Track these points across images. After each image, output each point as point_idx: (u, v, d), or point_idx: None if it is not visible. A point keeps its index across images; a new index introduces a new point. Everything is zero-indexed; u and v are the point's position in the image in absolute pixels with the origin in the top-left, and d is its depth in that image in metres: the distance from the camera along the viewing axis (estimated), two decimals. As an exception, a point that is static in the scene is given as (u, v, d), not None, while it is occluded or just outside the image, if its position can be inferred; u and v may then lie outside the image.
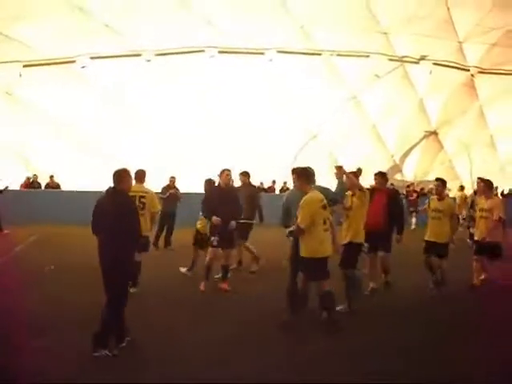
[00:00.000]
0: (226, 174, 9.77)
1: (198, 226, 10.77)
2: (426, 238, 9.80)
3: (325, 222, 7.18)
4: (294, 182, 8.04)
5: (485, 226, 10.12)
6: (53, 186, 21.71)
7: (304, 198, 7.13)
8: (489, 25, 23.76)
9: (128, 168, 6.60)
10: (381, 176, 9.83)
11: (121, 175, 6.43)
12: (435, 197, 9.97)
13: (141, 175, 9.47)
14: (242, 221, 10.37)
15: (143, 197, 9.28)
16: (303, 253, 7.13)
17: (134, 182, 7.42)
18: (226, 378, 5.49)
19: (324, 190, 7.70)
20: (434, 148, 29.33)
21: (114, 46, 21.65)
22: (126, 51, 21.83)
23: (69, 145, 22.62)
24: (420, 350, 6.40)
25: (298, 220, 7.02)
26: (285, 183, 24.79)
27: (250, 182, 12.11)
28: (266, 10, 21.69)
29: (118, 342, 6.27)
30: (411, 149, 28.98)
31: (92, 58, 21.66)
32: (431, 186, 27.21)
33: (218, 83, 23.28)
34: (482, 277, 10.32)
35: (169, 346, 6.46)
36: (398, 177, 28.65)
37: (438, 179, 10.18)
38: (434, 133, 28.89)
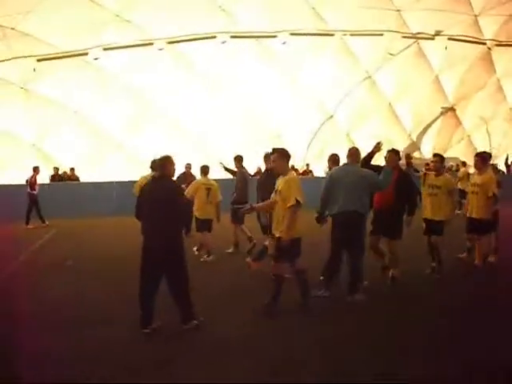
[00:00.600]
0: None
1: None
2: (424, 216, 9.43)
3: None
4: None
5: (476, 202, 9.71)
6: (73, 178, 21.84)
7: (294, 178, 7.18)
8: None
9: (160, 155, 6.77)
10: (394, 153, 8.92)
11: (165, 162, 6.64)
12: (432, 173, 9.50)
13: (205, 170, 11.49)
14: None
15: (209, 188, 11.22)
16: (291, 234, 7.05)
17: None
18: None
19: (371, 177, 7.96)
20: (452, 124, 29.00)
21: (125, 36, 21.65)
22: (137, 41, 21.83)
23: (86, 137, 22.73)
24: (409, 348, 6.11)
25: (300, 199, 6.96)
26: (307, 165, 24.70)
27: (242, 166, 12.43)
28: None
29: (185, 321, 6.48)
30: (428, 126, 28.68)
31: (104, 49, 21.68)
32: (451, 163, 27.09)
33: (231, 68, 23.19)
34: (492, 257, 10.09)
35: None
36: (416, 155, 28.39)
37: (435, 155, 9.93)
38: (452, 109, 28.56)
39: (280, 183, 7.13)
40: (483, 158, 9.95)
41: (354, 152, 8.16)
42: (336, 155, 8.91)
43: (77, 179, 21.90)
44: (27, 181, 18.06)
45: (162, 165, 6.64)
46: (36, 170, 18.29)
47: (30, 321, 6.84)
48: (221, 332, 6.48)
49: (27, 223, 17.36)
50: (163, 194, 6.44)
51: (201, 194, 11.14)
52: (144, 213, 6.56)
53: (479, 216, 9.61)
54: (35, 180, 18.11)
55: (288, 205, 6.90)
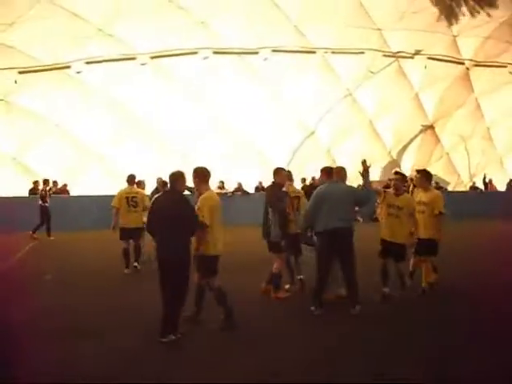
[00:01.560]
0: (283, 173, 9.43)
1: None
2: (382, 237, 8.85)
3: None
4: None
5: (423, 222, 8.94)
6: (56, 191, 21.70)
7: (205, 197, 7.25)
8: (482, 18, 23.85)
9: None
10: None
11: (177, 177, 6.94)
12: (392, 191, 8.87)
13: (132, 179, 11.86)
14: None
15: (135, 197, 11.59)
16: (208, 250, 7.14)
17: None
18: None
19: (357, 191, 8.41)
20: (431, 142, 29.36)
21: (108, 50, 21.69)
22: (120, 55, 21.87)
23: (67, 150, 22.63)
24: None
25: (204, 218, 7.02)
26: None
27: None
28: (259, 9, 21.78)
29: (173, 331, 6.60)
30: (408, 143, 29.01)
31: (87, 62, 21.69)
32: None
33: (213, 84, 23.32)
34: (433, 278, 9.14)
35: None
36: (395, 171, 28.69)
37: (396, 172, 9.24)
38: (431, 127, 28.95)
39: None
40: (426, 175, 9.43)
41: (339, 170, 8.36)
42: (329, 168, 8.66)
43: (60, 192, 21.75)
44: (39, 192, 18.69)
45: (175, 180, 6.90)
46: (46, 182, 18.81)
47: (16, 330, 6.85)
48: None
49: (49, 235, 17.79)
50: (177, 209, 6.69)
51: None
52: (157, 227, 6.76)
53: (428, 236, 8.94)
54: (45, 192, 18.47)
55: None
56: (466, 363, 5.83)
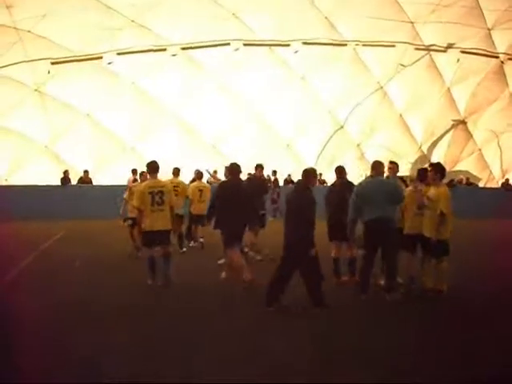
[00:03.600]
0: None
1: None
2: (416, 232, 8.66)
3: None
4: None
5: (429, 220, 8.52)
6: (86, 181, 21.96)
7: None
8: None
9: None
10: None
11: (309, 173, 7.77)
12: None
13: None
14: None
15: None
16: None
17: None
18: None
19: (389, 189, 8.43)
20: (463, 137, 28.92)
21: (139, 41, 21.83)
22: (151, 46, 22.00)
23: (98, 140, 22.89)
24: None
25: None
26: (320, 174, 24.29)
27: None
28: (290, 2, 21.70)
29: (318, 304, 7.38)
30: (439, 139, 28.61)
31: (118, 53, 21.87)
32: (461, 176, 27.03)
33: (244, 76, 23.32)
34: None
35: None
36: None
37: (391, 162, 9.47)
38: (463, 122, 28.48)
39: None
40: (437, 169, 8.80)
41: (377, 165, 8.60)
42: (379, 162, 8.72)
43: (90, 182, 22.04)
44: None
45: (307, 175, 7.70)
46: (134, 172, 17.88)
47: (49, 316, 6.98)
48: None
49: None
50: (304, 202, 7.49)
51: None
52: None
53: (431, 235, 8.42)
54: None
55: None
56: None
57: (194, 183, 13.70)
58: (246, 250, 11.43)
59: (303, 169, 7.90)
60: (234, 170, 9.24)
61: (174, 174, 12.96)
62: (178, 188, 12.20)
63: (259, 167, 12.36)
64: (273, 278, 7.54)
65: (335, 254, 9.31)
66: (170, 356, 5.76)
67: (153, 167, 9.26)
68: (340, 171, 9.67)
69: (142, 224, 9.05)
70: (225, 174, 10.65)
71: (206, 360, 5.63)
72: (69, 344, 6.05)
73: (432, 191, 8.60)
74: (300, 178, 7.86)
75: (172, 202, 9.22)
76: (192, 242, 13.56)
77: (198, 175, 13.78)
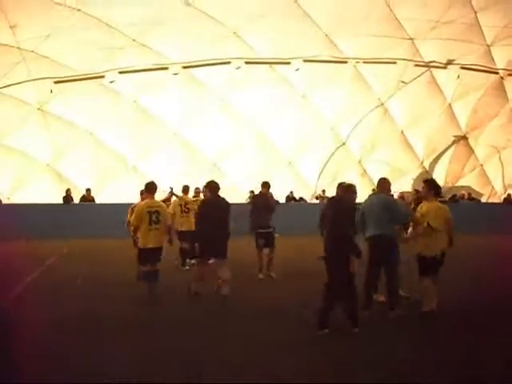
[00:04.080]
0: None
1: None
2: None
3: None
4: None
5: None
6: (89, 199, 22.01)
7: None
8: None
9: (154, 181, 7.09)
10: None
11: (347, 188, 8.45)
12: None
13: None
14: None
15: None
16: None
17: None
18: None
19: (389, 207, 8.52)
20: (464, 153, 28.98)
21: (141, 60, 21.99)
22: (153, 65, 22.15)
23: (100, 158, 22.97)
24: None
25: None
26: (323, 191, 24.37)
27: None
28: (291, 20, 21.84)
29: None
30: (441, 155, 28.67)
31: (120, 72, 22.02)
32: (462, 191, 27.09)
33: (245, 94, 23.44)
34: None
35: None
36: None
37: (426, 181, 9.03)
38: (464, 138, 28.57)
39: None
40: (430, 185, 8.70)
41: (381, 182, 8.96)
42: (383, 179, 9.06)
43: (92, 200, 22.08)
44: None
45: (347, 188, 8.36)
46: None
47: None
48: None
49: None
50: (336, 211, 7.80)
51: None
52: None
53: (426, 253, 8.30)
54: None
55: None
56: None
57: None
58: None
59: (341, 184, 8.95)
60: (212, 188, 9.65)
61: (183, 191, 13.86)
62: (188, 205, 13.31)
63: (265, 185, 12.35)
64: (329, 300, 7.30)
65: None
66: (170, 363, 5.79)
67: (151, 188, 9.69)
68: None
69: (138, 241, 9.54)
70: (203, 193, 10.53)
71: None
72: (73, 355, 6.18)
73: (423, 207, 8.57)
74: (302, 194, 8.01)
75: (167, 221, 9.67)
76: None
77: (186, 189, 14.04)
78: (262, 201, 12.07)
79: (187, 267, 12.64)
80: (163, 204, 10.32)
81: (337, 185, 9.53)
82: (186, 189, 13.93)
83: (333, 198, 9.17)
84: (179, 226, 12.86)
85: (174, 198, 13.88)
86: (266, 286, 10.93)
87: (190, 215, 12.87)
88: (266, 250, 11.90)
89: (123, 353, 6.41)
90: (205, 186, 10.02)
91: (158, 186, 9.80)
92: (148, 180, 10.10)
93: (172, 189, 14.20)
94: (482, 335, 7.29)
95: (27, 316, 7.87)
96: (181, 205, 13.40)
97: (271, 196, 12.89)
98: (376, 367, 5.89)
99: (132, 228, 9.90)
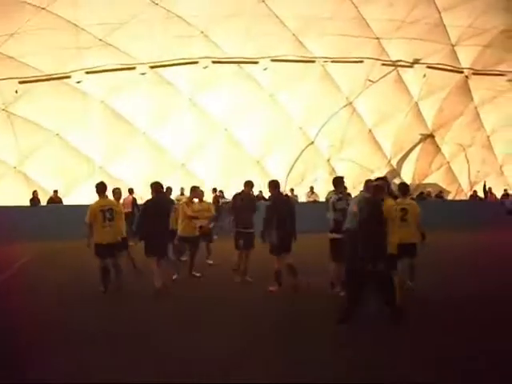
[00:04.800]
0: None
1: None
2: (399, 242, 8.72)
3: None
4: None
5: None
6: (56, 200, 21.73)
7: None
8: (480, 26, 23.96)
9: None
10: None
11: (379, 188, 8.23)
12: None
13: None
14: None
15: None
16: None
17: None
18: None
19: None
20: (431, 151, 29.38)
21: (108, 60, 21.77)
22: (120, 65, 21.96)
23: (66, 159, 22.69)
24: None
25: None
26: (292, 190, 24.64)
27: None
28: (259, 19, 21.87)
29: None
30: (408, 153, 29.02)
31: (87, 72, 21.78)
32: (429, 189, 27.55)
33: (213, 94, 23.42)
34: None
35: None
36: (396, 181, 28.72)
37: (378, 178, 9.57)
38: (431, 136, 28.97)
39: None
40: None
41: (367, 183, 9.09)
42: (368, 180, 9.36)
43: (60, 202, 21.81)
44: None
45: (378, 188, 8.20)
46: (131, 191, 19.34)
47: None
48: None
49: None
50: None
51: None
52: None
53: None
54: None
55: None
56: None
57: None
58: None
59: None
60: (157, 187, 10.32)
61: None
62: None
63: (249, 184, 11.93)
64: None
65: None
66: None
67: (101, 188, 10.33)
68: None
69: (92, 237, 10.12)
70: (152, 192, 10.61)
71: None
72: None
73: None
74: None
75: (122, 218, 10.63)
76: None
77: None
78: (246, 200, 11.54)
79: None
80: (116, 202, 11.02)
81: (366, 182, 9.23)
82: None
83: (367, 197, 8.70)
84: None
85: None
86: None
87: None
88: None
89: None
90: (151, 186, 10.47)
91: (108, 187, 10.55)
92: (115, 180, 10.44)
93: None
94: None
95: None
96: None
97: (254, 196, 12.81)
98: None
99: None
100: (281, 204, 10.22)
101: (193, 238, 11.85)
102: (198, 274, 11.76)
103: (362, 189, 9.44)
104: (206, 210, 12.55)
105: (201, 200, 12.81)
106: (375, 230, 7.61)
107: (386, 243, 7.84)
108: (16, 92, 21.19)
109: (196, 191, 12.52)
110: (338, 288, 9.39)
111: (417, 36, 23.74)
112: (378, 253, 7.50)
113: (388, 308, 7.57)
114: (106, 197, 10.40)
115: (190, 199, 12.36)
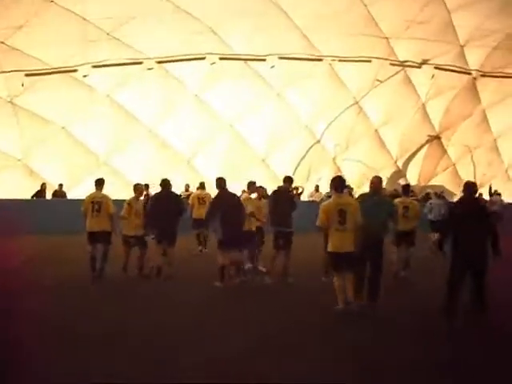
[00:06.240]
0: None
1: None
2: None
3: None
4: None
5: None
6: (60, 194, 21.70)
7: None
8: (490, 28, 23.80)
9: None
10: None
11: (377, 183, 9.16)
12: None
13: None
14: None
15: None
16: None
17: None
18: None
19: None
20: (438, 152, 29.26)
21: (115, 54, 21.71)
22: (127, 59, 21.90)
23: (72, 153, 22.67)
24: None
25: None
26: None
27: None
28: (267, 17, 21.77)
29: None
30: (414, 154, 28.90)
31: (94, 66, 21.73)
32: (429, 190, 27.41)
33: (220, 90, 23.35)
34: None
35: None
36: (401, 182, 28.59)
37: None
38: (437, 137, 28.84)
39: None
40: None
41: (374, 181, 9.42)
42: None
43: (64, 196, 21.77)
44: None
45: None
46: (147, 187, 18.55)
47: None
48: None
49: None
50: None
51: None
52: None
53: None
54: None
55: None
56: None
57: (197, 191, 16.52)
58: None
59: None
60: (165, 184, 11.77)
61: (201, 187, 16.35)
62: (205, 198, 15.30)
63: (288, 180, 11.50)
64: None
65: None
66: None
67: (98, 182, 11.72)
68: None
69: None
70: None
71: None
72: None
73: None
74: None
75: (109, 210, 11.34)
76: (200, 247, 15.47)
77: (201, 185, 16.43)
78: (284, 198, 11.09)
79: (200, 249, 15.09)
80: (107, 196, 11.70)
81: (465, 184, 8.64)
82: (202, 184, 16.38)
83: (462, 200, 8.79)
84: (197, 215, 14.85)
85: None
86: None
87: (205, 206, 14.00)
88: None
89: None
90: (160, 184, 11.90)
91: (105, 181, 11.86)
92: (121, 174, 10.88)
93: None
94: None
95: None
96: (198, 198, 15.72)
97: (293, 194, 12.97)
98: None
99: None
100: (227, 200, 10.94)
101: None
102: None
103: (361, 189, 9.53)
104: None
105: (260, 197, 12.45)
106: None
107: None
108: (22, 85, 21.12)
109: (255, 187, 12.78)
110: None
111: (426, 36, 23.59)
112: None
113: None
114: (100, 190, 11.60)
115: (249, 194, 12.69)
